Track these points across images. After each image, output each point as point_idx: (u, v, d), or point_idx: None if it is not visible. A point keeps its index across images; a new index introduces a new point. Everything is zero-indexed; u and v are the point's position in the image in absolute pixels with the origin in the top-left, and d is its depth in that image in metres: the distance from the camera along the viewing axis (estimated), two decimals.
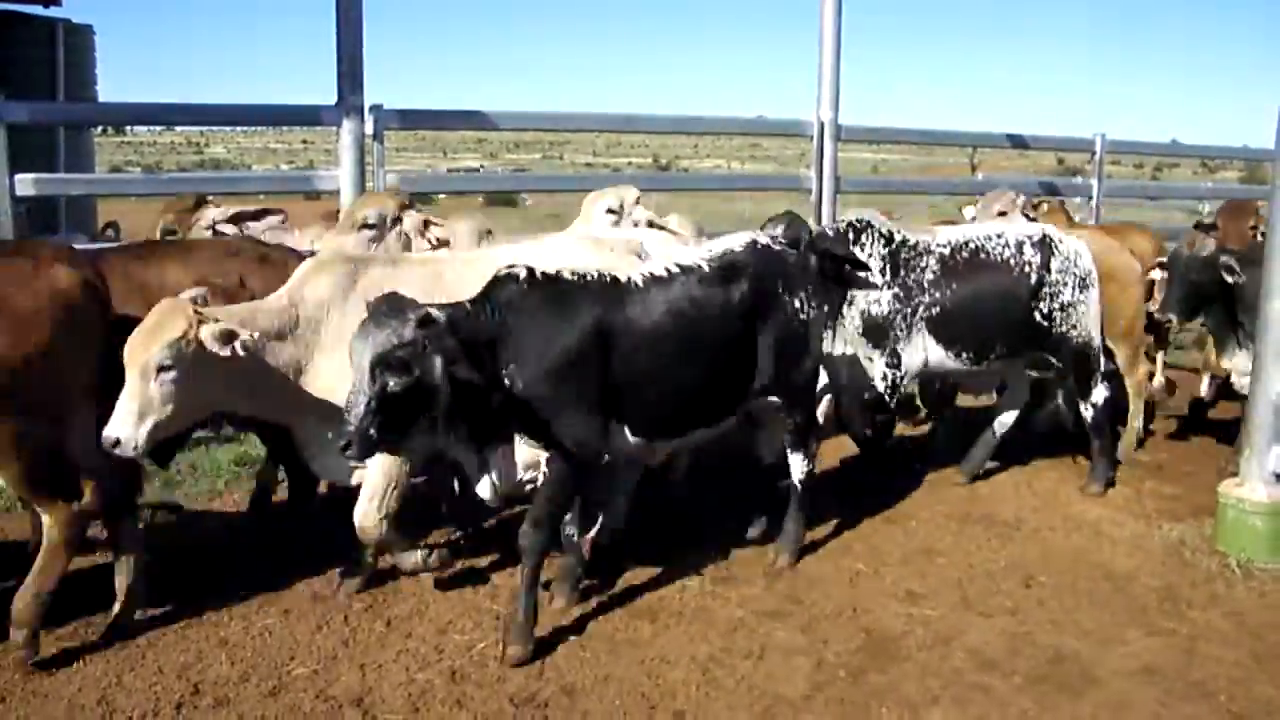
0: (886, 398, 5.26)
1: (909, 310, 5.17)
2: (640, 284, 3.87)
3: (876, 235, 5.17)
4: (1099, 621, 4.14)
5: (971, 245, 5.32)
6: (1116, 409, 5.90)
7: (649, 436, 4.01)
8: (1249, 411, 4.99)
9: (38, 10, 9.49)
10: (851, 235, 5.15)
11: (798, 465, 4.59)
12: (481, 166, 63.28)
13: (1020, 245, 5.36)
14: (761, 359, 4.22)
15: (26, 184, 5.57)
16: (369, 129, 6.27)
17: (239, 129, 73.45)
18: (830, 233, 5.18)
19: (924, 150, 55.36)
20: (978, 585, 4.46)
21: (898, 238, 5.21)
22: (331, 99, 6.21)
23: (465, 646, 3.81)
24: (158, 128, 62.14)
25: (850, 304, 5.11)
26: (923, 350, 5.24)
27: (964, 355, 5.31)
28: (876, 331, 5.15)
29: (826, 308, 4.68)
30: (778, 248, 4.37)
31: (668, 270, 3.99)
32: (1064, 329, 5.42)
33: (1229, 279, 5.47)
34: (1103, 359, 5.68)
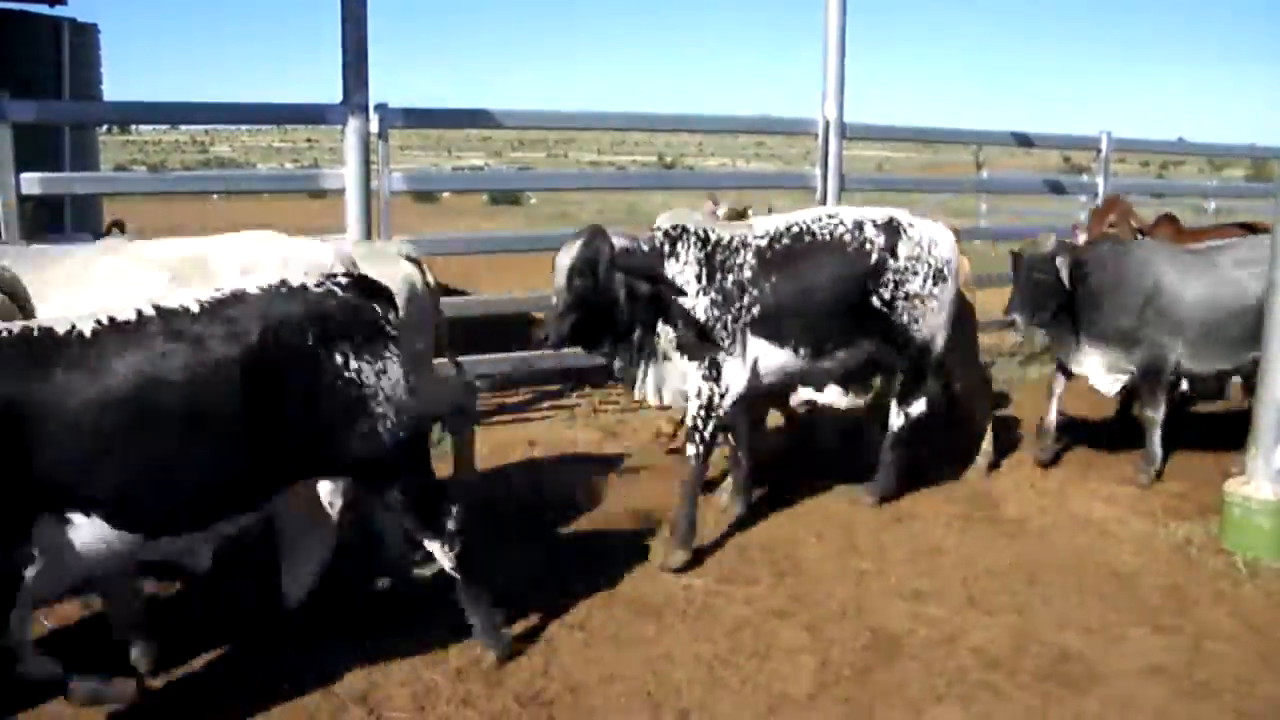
0: (699, 419, 4.69)
1: (730, 316, 4.72)
2: (87, 337, 3.01)
3: (692, 241, 4.76)
4: (1104, 620, 4.14)
5: (795, 230, 4.92)
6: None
7: (136, 530, 3.09)
8: (1255, 411, 4.98)
9: (43, 9, 9.52)
10: (667, 247, 4.73)
11: (440, 554, 3.62)
12: (486, 165, 63.36)
13: (860, 225, 5.04)
14: (294, 431, 3.25)
15: (32, 183, 5.59)
16: (374, 127, 6.28)
17: (244, 128, 73.47)
18: (644, 246, 4.67)
19: (929, 148, 55.29)
20: (983, 584, 4.45)
21: (713, 238, 4.79)
22: (336, 98, 6.22)
23: (470, 645, 3.80)
24: (163, 126, 62.45)
25: (665, 318, 4.66)
26: (753, 356, 4.81)
27: (800, 350, 4.91)
28: (693, 344, 4.68)
29: (405, 356, 3.54)
30: (319, 290, 3.31)
31: (135, 318, 3.09)
32: (906, 321, 5.11)
33: (1066, 260, 5.44)
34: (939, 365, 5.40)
